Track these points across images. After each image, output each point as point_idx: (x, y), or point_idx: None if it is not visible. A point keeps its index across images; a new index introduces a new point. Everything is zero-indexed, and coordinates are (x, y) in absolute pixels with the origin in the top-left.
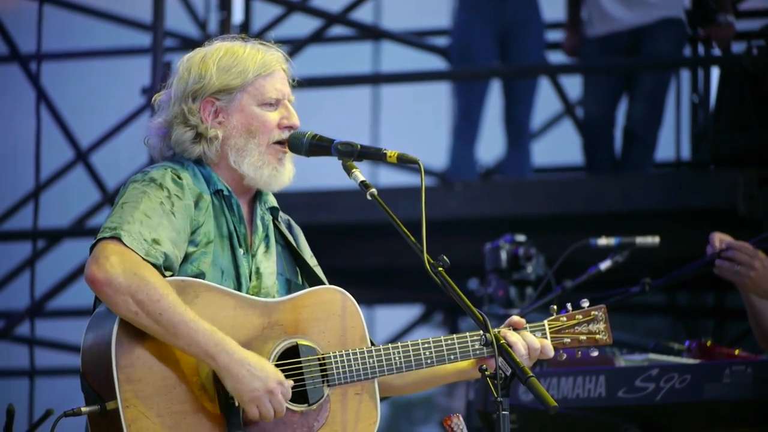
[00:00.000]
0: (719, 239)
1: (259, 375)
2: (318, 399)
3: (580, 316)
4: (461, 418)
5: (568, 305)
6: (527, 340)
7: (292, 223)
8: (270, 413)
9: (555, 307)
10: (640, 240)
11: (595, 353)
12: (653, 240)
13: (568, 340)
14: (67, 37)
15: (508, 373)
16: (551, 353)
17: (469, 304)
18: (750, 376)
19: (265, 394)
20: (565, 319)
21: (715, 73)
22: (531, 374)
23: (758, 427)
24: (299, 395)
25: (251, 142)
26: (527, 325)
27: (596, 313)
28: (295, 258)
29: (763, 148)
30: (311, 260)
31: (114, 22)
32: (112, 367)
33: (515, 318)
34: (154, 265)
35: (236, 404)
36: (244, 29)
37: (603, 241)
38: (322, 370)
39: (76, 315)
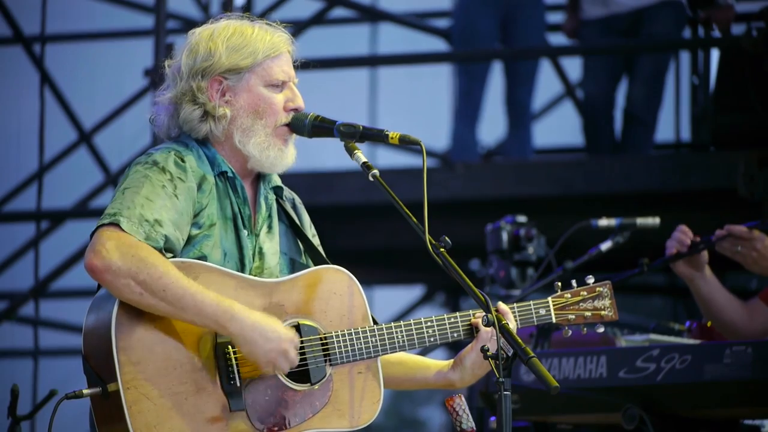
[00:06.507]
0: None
1: (272, 336)
2: (320, 378)
3: (585, 293)
4: (463, 399)
5: (573, 282)
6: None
7: (297, 201)
8: (286, 371)
9: (559, 284)
10: (640, 221)
11: (601, 329)
12: (654, 221)
13: (573, 316)
14: (70, 19)
15: (510, 354)
16: None
17: (471, 284)
18: (750, 356)
19: (279, 355)
20: (569, 295)
21: (715, 54)
22: (533, 354)
23: (758, 407)
24: (302, 375)
25: (258, 123)
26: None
27: (601, 289)
28: (298, 236)
29: (762, 129)
30: (314, 239)
31: (117, 4)
32: (112, 349)
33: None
34: (154, 248)
35: (238, 384)
36: (246, 11)
37: (604, 222)
38: (324, 350)
39: (80, 295)
